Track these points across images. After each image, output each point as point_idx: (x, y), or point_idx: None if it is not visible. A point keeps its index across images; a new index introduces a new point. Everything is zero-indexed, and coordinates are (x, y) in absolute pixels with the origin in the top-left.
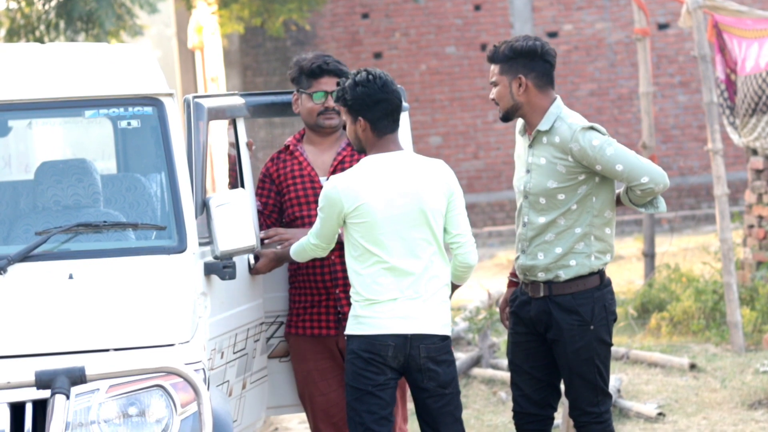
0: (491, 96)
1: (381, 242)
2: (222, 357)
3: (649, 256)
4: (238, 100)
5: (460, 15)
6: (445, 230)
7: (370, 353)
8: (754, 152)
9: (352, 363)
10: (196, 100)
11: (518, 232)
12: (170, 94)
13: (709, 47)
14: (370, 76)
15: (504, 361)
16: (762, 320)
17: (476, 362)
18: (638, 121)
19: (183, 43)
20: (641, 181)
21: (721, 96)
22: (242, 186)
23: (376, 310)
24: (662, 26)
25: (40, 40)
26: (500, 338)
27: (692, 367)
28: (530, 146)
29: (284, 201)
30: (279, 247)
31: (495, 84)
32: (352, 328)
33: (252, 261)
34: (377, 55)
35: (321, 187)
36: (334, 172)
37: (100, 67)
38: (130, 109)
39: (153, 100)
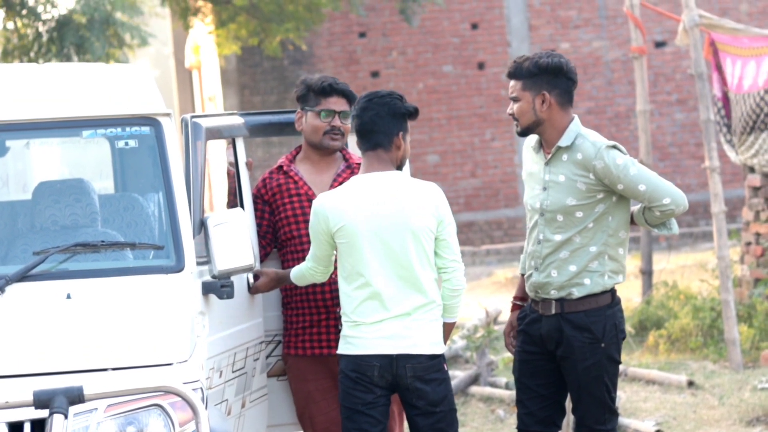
0: (509, 111)
1: (367, 263)
2: (221, 376)
3: (647, 273)
4: (237, 120)
5: (457, 34)
6: (436, 254)
7: (356, 373)
8: (751, 170)
9: (341, 382)
10: (194, 119)
11: (531, 249)
12: (167, 114)
13: (705, 65)
14: (366, 94)
15: (502, 380)
16: (760, 337)
17: (474, 380)
18: (635, 139)
19: (180, 62)
20: (663, 202)
21: (718, 114)
22: (242, 206)
23: (362, 331)
24: (659, 44)
25: (35, 62)
26: (498, 356)
27: (690, 384)
28: (547, 164)
29: (279, 220)
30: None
31: (516, 99)
32: (340, 347)
33: (251, 280)
34: (374, 74)
35: None
36: None
37: (98, 86)
38: (128, 128)
39: (150, 120)
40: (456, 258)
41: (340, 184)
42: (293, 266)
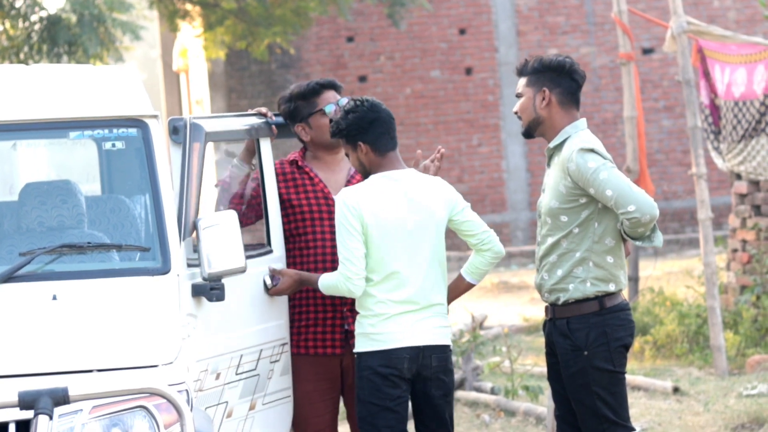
0: (514, 109)
1: (397, 257)
2: (218, 378)
3: (633, 279)
4: (248, 122)
5: (445, 39)
6: (466, 235)
7: (387, 367)
8: (738, 177)
9: (368, 380)
10: (194, 120)
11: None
12: (155, 116)
13: (693, 72)
14: (357, 101)
15: (488, 384)
16: (745, 344)
17: (460, 385)
18: (623, 145)
19: (168, 65)
20: (627, 209)
21: (706, 121)
22: (266, 208)
23: (388, 326)
24: (647, 51)
25: (24, 63)
26: (483, 361)
27: (676, 390)
28: (548, 165)
29: (290, 215)
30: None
31: (520, 96)
32: (364, 345)
33: (268, 281)
34: (362, 79)
35: (334, 204)
36: None
37: (85, 88)
38: (115, 130)
39: (137, 122)
40: (486, 228)
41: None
42: (299, 262)
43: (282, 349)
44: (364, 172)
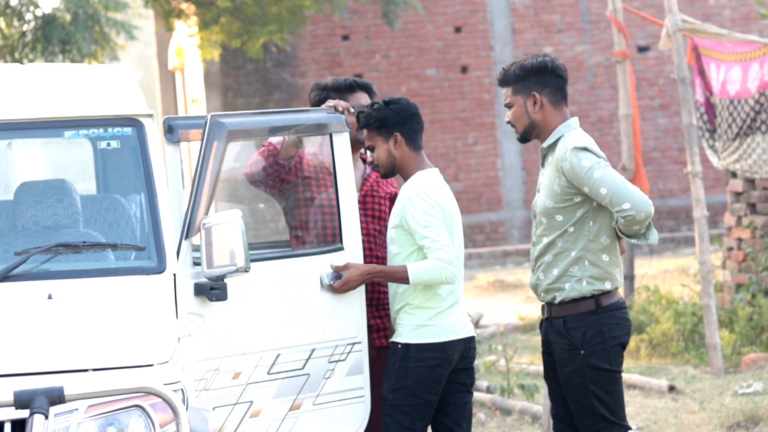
0: (506, 119)
1: (454, 251)
2: (237, 377)
3: (629, 278)
4: (297, 118)
5: (441, 37)
6: None
7: (440, 359)
8: (734, 175)
9: (417, 371)
10: (216, 118)
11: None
12: (150, 115)
13: (688, 70)
14: (398, 96)
15: (483, 383)
16: (741, 342)
17: None
18: (618, 143)
19: (164, 64)
20: (622, 206)
21: (701, 119)
22: (339, 206)
23: (443, 319)
24: (642, 49)
25: (19, 62)
26: (479, 360)
27: (671, 389)
28: (542, 165)
29: (305, 200)
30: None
31: (509, 106)
32: (417, 336)
33: (325, 279)
34: (357, 77)
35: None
36: (366, 194)
37: (80, 87)
38: (110, 129)
39: (132, 121)
40: None
41: (370, 186)
42: None
43: (349, 349)
44: (390, 166)
